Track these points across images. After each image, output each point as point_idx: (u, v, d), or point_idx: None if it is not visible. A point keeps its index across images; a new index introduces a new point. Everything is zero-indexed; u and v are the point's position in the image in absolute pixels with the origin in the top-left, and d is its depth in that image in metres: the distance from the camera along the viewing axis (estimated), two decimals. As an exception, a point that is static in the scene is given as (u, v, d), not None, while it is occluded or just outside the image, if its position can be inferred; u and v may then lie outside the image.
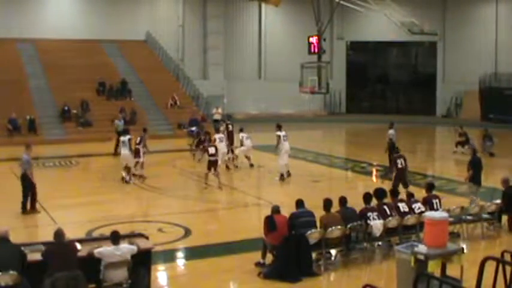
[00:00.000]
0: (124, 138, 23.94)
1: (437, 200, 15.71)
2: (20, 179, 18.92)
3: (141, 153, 23.86)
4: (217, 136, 25.44)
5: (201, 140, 28.19)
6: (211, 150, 22.64)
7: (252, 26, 53.88)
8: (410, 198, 15.62)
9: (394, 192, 15.79)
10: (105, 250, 11.19)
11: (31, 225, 17.16)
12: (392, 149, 25.17)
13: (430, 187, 16.40)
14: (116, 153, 29.11)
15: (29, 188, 18.69)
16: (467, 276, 10.86)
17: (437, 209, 15.12)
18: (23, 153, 18.92)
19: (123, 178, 23.40)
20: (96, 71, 42.44)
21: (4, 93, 37.33)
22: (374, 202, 14.95)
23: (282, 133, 24.29)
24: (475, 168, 18.66)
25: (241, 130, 27.63)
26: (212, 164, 22.44)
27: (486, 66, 49.14)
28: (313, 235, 13.32)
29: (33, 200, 18.81)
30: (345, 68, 56.86)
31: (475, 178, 18.57)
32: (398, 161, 20.24)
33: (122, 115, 33.50)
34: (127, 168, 23.52)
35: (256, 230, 14.87)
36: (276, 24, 54.03)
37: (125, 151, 23.70)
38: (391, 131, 26.54)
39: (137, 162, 23.90)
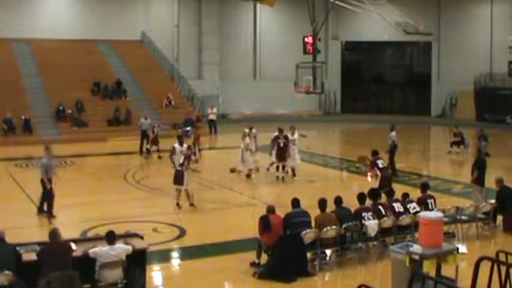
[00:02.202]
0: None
1: (432, 200, 15.77)
2: (40, 183, 18.20)
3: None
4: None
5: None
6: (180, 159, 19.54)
7: (247, 26, 53.89)
8: (405, 198, 15.64)
9: (389, 192, 15.79)
10: (100, 250, 11.18)
11: (26, 225, 17.12)
12: (394, 151, 25.13)
13: (424, 187, 16.44)
14: (142, 152, 29.84)
15: (46, 193, 18.06)
16: (462, 276, 10.89)
17: (432, 209, 15.19)
18: (43, 157, 18.27)
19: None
20: (91, 71, 42.35)
21: (-1, 93, 37.34)
22: (369, 202, 14.99)
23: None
24: (480, 169, 18.60)
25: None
26: (180, 177, 19.52)
27: (481, 66, 49.27)
28: (308, 235, 13.33)
29: (50, 205, 18.15)
30: (340, 68, 56.87)
31: (479, 179, 18.53)
32: (379, 162, 19.86)
33: (146, 115, 33.49)
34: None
35: (251, 230, 14.88)
36: (271, 24, 54.01)
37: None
38: (393, 133, 26.51)
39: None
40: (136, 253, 11.63)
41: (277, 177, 24.43)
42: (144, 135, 30.84)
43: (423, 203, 15.59)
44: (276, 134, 24.45)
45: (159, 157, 28.96)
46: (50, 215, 17.95)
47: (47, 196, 18.06)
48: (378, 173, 19.59)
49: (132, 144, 31.78)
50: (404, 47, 56.47)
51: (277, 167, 24.66)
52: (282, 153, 24.14)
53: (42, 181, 18.07)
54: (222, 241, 15.78)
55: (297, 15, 48.54)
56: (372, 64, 58.52)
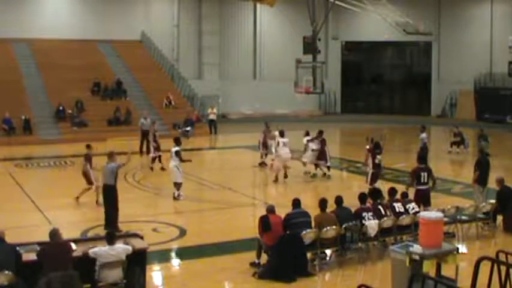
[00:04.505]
0: (172, 150, 20.72)
1: (425, 173, 16.75)
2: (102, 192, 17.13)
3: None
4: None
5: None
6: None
7: (247, 26, 53.88)
8: (404, 198, 15.62)
9: (391, 192, 15.73)
10: (100, 250, 11.18)
11: (26, 225, 17.12)
12: (423, 156, 23.55)
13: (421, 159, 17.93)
14: (142, 152, 29.81)
15: (110, 202, 16.71)
16: (462, 276, 10.89)
17: (425, 182, 16.72)
18: (107, 163, 16.91)
19: (174, 196, 20.74)
20: (91, 71, 42.37)
21: (-1, 93, 37.33)
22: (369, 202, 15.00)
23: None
24: (482, 169, 18.57)
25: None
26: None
27: (481, 66, 49.27)
28: (308, 235, 13.33)
29: (115, 218, 16.63)
30: (340, 68, 56.85)
31: (481, 179, 18.46)
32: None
33: (145, 114, 33.24)
34: (176, 185, 20.70)
35: (251, 230, 14.88)
36: (271, 24, 54.04)
37: (171, 164, 20.74)
38: (423, 135, 26.24)
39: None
40: (136, 253, 11.63)
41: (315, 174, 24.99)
42: (144, 135, 30.74)
43: (416, 175, 16.63)
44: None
45: (162, 168, 26.13)
46: (115, 229, 15.83)
47: (113, 210, 16.63)
48: (371, 167, 19.86)
49: (132, 144, 31.77)
50: (404, 47, 56.48)
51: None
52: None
53: (105, 190, 16.82)
54: (221, 241, 15.77)
55: (296, 15, 48.57)
56: (372, 64, 58.55)
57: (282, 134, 24.28)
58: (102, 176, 17.04)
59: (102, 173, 17.06)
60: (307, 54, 37.02)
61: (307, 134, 25.72)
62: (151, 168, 26.37)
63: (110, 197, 16.66)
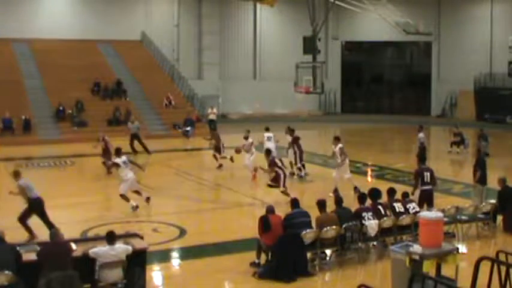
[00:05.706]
0: (122, 160, 19.53)
1: (428, 173, 16.84)
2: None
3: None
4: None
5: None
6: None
7: (247, 26, 53.87)
8: (405, 197, 15.61)
9: (390, 193, 15.71)
10: (100, 250, 11.19)
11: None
12: (423, 156, 22.58)
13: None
14: (136, 152, 29.78)
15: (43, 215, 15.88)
16: (462, 276, 10.89)
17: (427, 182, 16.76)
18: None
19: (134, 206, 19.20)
20: (92, 71, 42.39)
21: (-1, 93, 37.34)
22: (369, 202, 14.99)
23: (340, 145, 22.01)
24: (482, 169, 18.59)
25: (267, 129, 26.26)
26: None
27: (481, 66, 49.21)
28: (308, 235, 13.33)
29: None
30: (340, 68, 56.81)
31: (482, 178, 18.48)
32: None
33: (132, 118, 33.26)
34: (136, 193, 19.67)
35: (251, 230, 14.87)
36: (271, 24, 54.02)
37: (130, 174, 19.57)
38: (421, 135, 26.22)
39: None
40: (137, 253, 11.63)
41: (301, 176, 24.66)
42: (132, 138, 30.92)
43: (420, 176, 16.77)
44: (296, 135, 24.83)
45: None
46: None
47: (48, 221, 15.82)
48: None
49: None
50: (404, 47, 56.50)
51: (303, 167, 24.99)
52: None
53: (34, 205, 15.92)
54: (221, 241, 15.77)
55: (297, 15, 48.56)
56: (372, 64, 58.50)
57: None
58: (22, 194, 16.02)
59: (19, 191, 16.04)
60: (307, 54, 37.05)
61: (267, 129, 25.91)
62: None
63: (41, 210, 15.91)
